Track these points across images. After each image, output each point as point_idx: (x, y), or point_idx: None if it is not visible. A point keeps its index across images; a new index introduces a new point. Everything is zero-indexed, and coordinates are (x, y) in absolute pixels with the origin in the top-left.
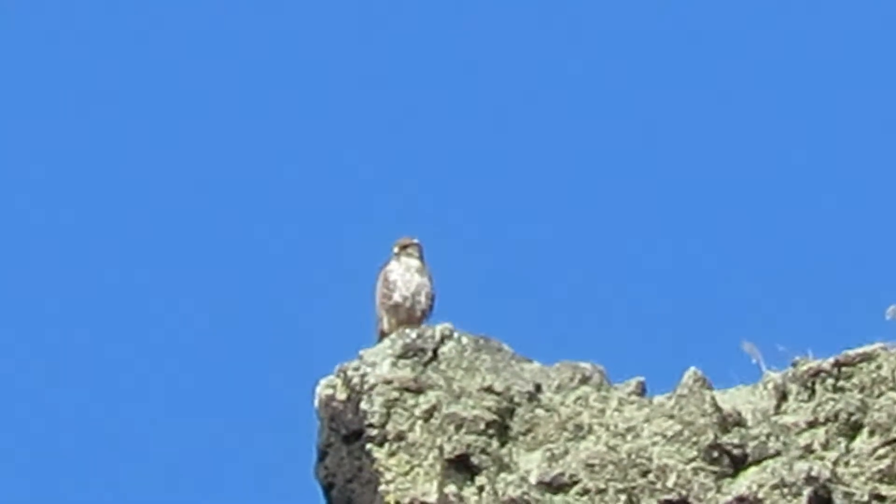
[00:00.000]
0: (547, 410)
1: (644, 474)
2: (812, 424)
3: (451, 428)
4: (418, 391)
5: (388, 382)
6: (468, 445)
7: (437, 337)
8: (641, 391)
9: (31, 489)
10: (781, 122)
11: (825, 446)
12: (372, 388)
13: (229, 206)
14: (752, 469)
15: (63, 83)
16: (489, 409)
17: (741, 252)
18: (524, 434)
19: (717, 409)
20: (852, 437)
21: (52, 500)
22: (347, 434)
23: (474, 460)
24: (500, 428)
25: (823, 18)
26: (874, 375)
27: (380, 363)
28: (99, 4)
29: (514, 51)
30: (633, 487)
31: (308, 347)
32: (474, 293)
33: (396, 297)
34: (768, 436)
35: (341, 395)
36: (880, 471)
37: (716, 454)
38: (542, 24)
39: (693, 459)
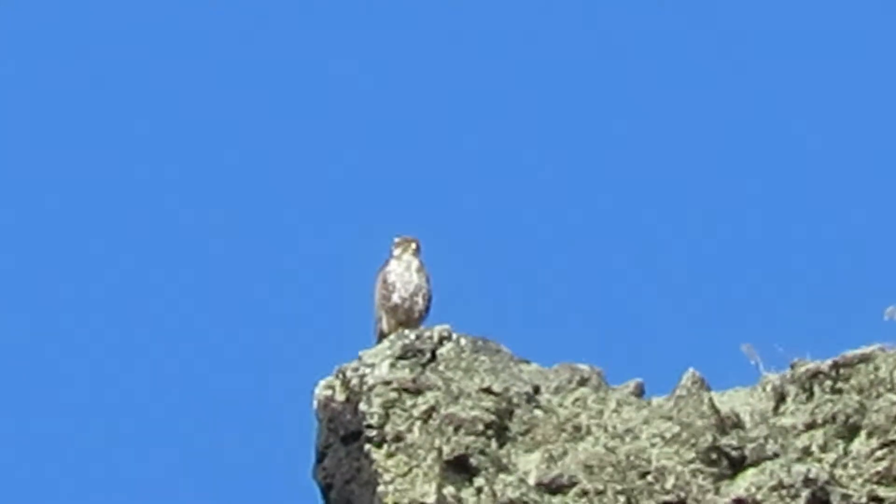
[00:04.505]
0: (545, 412)
1: (642, 476)
2: (810, 426)
3: (450, 429)
4: (417, 392)
5: (387, 383)
6: (467, 446)
7: (436, 338)
8: (640, 393)
9: (29, 490)
10: (778, 123)
11: (823, 448)
12: (371, 389)
13: (228, 208)
14: (751, 471)
15: (60, 82)
16: (488, 410)
17: (740, 253)
18: (523, 435)
19: (716, 410)
20: (850, 439)
21: (50, 501)
22: (346, 435)
23: (473, 461)
24: (499, 429)
25: (823, 18)
26: (872, 377)
27: (378, 364)
28: (93, 5)
29: (513, 50)
30: (632, 489)
31: (307, 348)
32: (473, 295)
33: (395, 299)
34: (766, 437)
35: (340, 396)
36: (878, 472)
37: (714, 456)
38: (541, 23)
39: (691, 461)
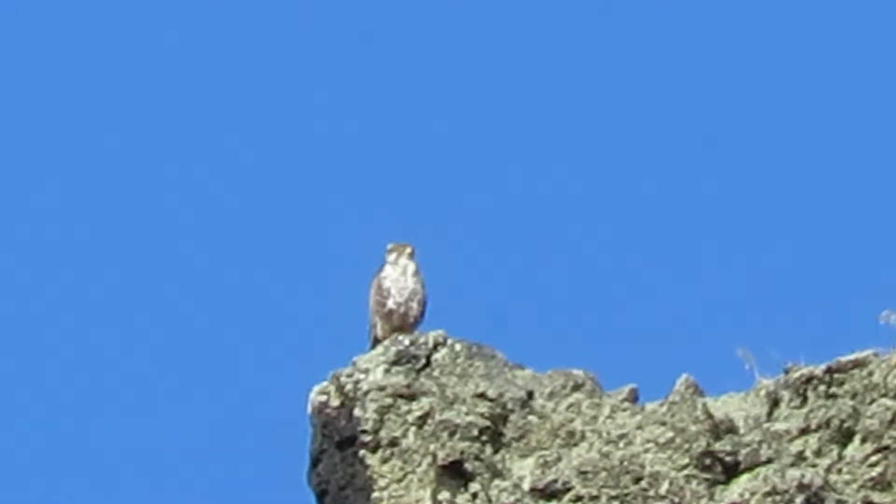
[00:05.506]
0: (540, 417)
1: (636, 481)
2: (804, 431)
3: (445, 434)
4: (411, 398)
5: (382, 389)
6: (461, 452)
7: (431, 344)
8: (634, 398)
9: (29, 490)
10: (772, 126)
11: (817, 453)
12: (365, 394)
13: (224, 212)
14: (745, 476)
15: (60, 82)
16: (482, 415)
17: (734, 258)
18: (517, 440)
19: (710, 416)
20: (844, 444)
21: (50, 501)
22: (341, 440)
23: (467, 467)
24: (494, 434)
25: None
26: (866, 382)
27: (373, 370)
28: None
29: (512, 51)
30: (626, 494)
31: (301, 354)
32: (467, 300)
33: (390, 304)
34: (760, 443)
35: (335, 402)
36: (872, 478)
37: (708, 461)
38: (541, 22)
39: (685, 466)
